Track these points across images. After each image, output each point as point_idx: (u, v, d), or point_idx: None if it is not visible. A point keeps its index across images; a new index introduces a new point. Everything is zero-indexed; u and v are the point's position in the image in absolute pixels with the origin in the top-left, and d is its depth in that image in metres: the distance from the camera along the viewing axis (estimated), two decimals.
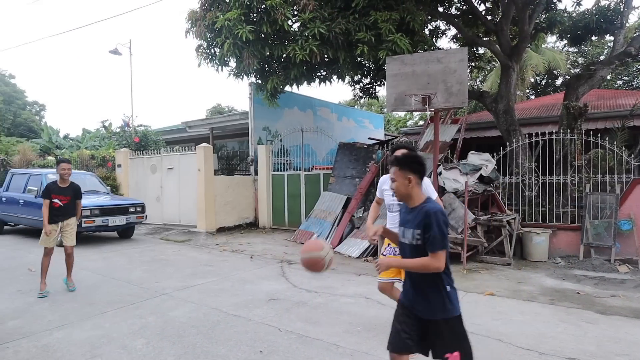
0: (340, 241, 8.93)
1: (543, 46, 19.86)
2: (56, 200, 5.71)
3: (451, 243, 7.35)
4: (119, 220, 9.73)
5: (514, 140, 9.22)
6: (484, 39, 11.78)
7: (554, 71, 22.60)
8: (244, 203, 12.25)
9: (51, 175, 10.45)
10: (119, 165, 13.99)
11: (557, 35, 12.56)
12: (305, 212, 11.16)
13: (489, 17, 11.74)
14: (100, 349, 3.83)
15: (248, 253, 8.63)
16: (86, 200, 9.50)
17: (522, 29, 10.09)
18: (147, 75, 68.68)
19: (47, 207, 5.63)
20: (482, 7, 11.67)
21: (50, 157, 19.08)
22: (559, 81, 24.64)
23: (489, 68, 22.19)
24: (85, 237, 10.31)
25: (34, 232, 10.77)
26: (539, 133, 8.69)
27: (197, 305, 5.15)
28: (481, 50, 13.97)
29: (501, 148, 8.93)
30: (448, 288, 2.35)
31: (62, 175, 5.77)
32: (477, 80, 24.82)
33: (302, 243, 9.46)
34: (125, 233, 10.60)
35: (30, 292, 5.64)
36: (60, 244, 5.85)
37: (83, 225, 9.01)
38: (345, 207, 9.61)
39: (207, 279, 6.46)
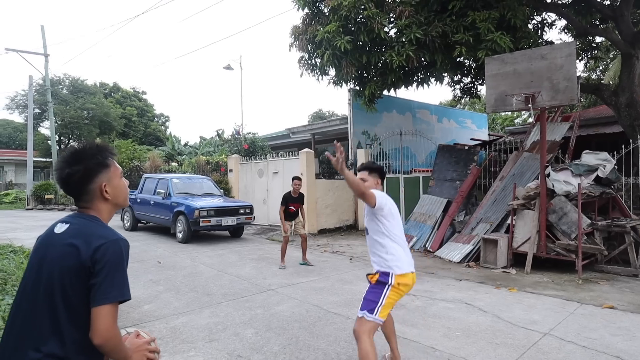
0: (441, 245, 8.79)
1: None
2: (292, 207, 7.76)
3: (563, 250, 6.87)
4: (230, 221, 10.66)
5: (639, 136, 8.28)
6: (600, 26, 10.71)
7: None
8: (344, 206, 12.61)
9: (175, 179, 11.82)
10: (231, 170, 15.26)
11: None
12: (404, 216, 11.14)
13: (607, 2, 10.63)
14: (217, 334, 4.35)
15: (348, 255, 8.91)
16: (203, 202, 10.61)
17: None
18: (255, 86, 73.61)
19: (283, 211, 7.71)
20: None
21: (173, 163, 21.42)
22: None
23: (611, 56, 19.89)
24: (202, 235, 11.46)
25: (161, 230, 12.25)
26: None
27: (299, 301, 5.52)
28: (599, 39, 12.67)
29: (623, 146, 8.08)
30: None
31: (295, 189, 7.75)
32: (597, 70, 22.36)
33: None
34: (235, 232, 11.56)
35: (160, 282, 6.52)
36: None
37: (201, 224, 10.05)
38: (445, 210, 9.43)
39: (309, 278, 6.85)
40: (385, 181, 12.24)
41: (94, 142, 1.76)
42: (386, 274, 3.05)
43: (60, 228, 1.60)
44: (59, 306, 1.49)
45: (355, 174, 3.26)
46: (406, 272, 3.09)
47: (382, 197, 3.12)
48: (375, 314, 2.96)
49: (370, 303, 3.00)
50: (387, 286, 3.02)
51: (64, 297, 1.50)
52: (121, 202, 1.74)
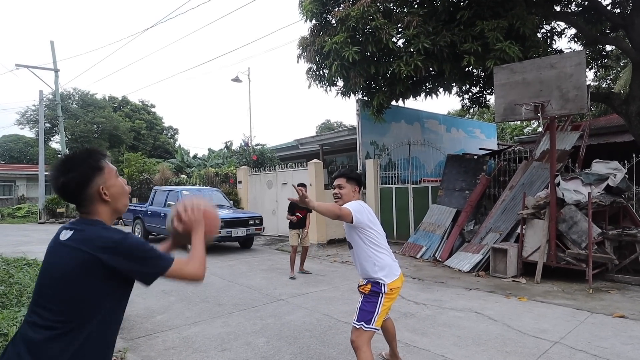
0: (450, 255, 8.75)
1: None
2: (298, 214, 7.89)
3: (573, 259, 6.82)
4: (240, 232, 10.72)
5: None
6: (610, 35, 10.72)
7: None
8: None
9: (185, 192, 11.92)
10: (240, 181, 15.37)
11: None
12: (413, 225, 11.13)
13: (617, 11, 10.65)
14: (228, 344, 4.38)
15: None
16: None
17: None
18: (263, 97, 74.31)
19: (291, 219, 7.93)
20: (607, 1, 10.65)
21: (183, 176, 21.59)
22: None
23: (622, 64, 19.84)
24: (212, 246, 11.51)
25: None
26: None
27: (310, 311, 5.54)
28: (609, 47, 12.65)
29: (633, 155, 8.04)
30: None
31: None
32: (608, 79, 22.30)
33: (411, 256, 9.47)
34: (245, 243, 11.60)
35: (171, 292, 6.56)
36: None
37: None
38: (454, 220, 9.40)
39: (319, 288, 6.86)
40: (393, 192, 12.23)
41: (84, 148, 1.71)
42: (378, 284, 3.10)
43: (65, 235, 1.58)
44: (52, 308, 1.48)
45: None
46: (396, 277, 3.16)
47: (358, 210, 3.09)
48: (373, 324, 3.04)
49: (367, 314, 3.05)
50: (380, 295, 3.08)
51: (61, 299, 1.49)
52: (121, 205, 1.70)
